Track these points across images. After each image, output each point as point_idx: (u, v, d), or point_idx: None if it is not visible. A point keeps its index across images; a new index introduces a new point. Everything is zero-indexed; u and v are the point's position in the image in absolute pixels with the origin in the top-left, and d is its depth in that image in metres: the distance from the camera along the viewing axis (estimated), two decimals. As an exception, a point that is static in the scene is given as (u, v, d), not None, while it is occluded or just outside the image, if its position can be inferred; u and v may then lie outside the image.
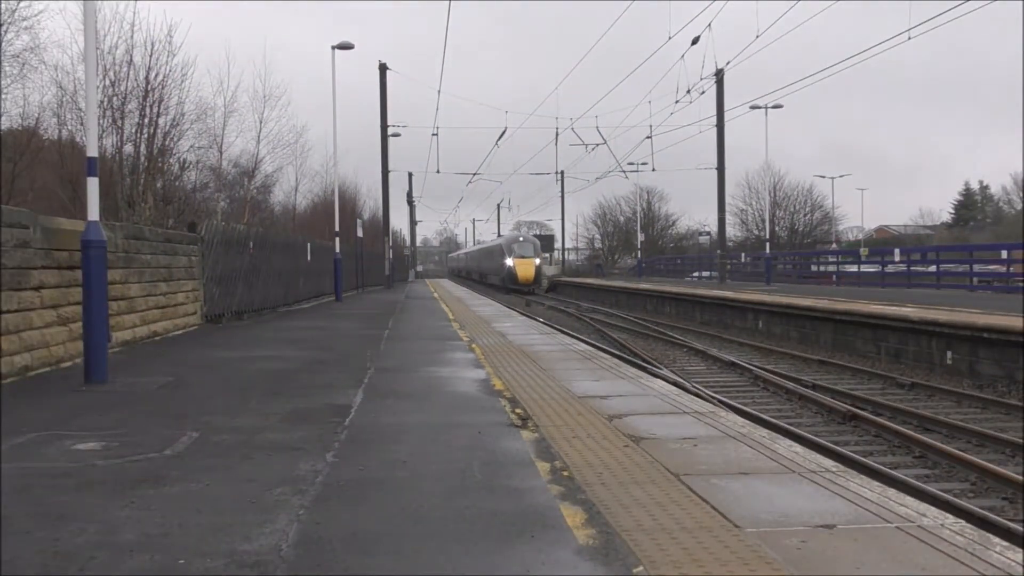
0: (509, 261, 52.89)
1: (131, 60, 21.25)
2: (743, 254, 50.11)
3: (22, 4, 21.88)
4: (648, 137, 37.23)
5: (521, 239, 56.33)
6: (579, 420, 6.23)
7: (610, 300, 39.69)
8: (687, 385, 12.76)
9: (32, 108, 24.24)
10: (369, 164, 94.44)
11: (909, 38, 18.38)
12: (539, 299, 44.88)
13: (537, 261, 53.17)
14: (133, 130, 21.60)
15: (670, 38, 24.14)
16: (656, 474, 4.63)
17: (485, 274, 64.66)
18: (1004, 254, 27.11)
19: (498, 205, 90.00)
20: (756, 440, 5.52)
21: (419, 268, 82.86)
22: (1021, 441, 8.93)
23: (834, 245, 64.66)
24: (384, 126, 39.31)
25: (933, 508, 4.10)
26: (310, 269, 26.24)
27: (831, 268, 38.51)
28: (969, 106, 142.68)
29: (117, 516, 3.90)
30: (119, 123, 21.23)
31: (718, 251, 41.45)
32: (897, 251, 33.84)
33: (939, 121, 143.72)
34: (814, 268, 39.50)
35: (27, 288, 8.85)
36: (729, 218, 52.10)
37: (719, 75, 34.38)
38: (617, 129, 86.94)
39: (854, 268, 36.69)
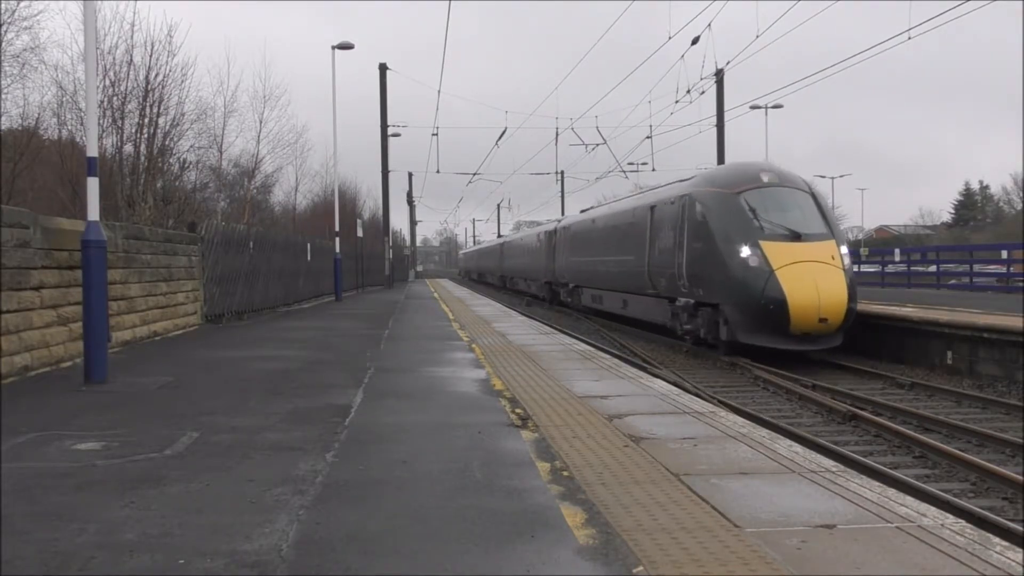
0: (746, 252, 15.38)
1: (131, 60, 21.35)
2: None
3: (22, 4, 21.91)
4: (648, 137, 37.13)
5: (765, 177, 16.62)
6: (579, 420, 6.23)
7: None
8: (687, 385, 12.75)
9: (32, 108, 24.35)
10: (369, 164, 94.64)
11: (909, 38, 18.31)
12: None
13: (844, 252, 16.02)
14: (133, 130, 21.67)
15: (670, 38, 24.08)
16: (656, 474, 4.63)
17: (606, 288, 24.75)
18: (1004, 254, 27.11)
19: (498, 205, 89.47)
20: (756, 440, 5.52)
21: (419, 268, 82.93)
22: (1021, 441, 8.93)
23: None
24: (384, 126, 39.32)
25: (933, 508, 4.11)
26: (310, 269, 26.24)
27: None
28: (969, 105, 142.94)
29: (117, 516, 3.90)
30: (119, 123, 21.28)
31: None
32: (897, 251, 33.83)
33: (939, 121, 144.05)
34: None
35: (27, 288, 8.85)
36: (729, 218, 52.00)
37: (719, 75, 34.38)
38: (617, 129, 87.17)
39: (854, 268, 36.66)
